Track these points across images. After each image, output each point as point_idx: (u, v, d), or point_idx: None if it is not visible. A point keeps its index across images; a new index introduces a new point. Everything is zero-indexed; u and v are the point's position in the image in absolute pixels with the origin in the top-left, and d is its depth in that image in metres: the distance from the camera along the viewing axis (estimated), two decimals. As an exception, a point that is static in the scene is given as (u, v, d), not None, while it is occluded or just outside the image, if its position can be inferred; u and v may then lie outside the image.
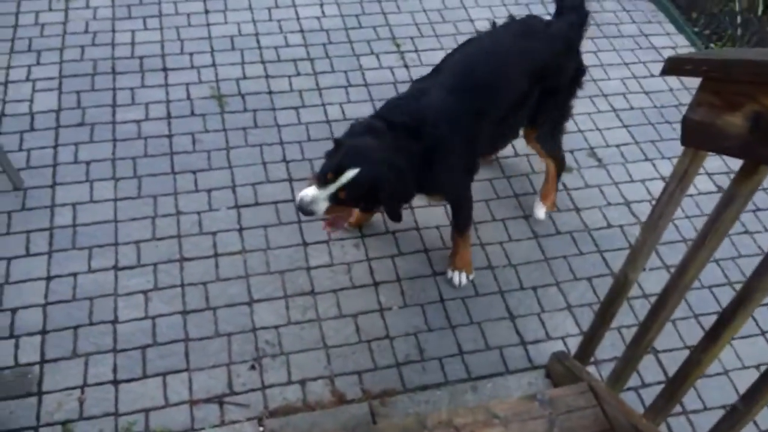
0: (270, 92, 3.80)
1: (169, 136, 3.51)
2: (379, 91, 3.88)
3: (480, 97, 2.68)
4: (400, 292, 3.03)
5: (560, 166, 3.30)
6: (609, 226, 3.39)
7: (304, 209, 2.41)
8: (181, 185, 3.31)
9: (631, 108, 3.97)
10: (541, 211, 3.35)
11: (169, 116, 3.61)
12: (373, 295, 3.01)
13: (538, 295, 3.08)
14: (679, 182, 1.89)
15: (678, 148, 1.76)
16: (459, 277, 3.05)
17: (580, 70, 3.00)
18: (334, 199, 2.39)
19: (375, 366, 2.78)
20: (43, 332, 2.73)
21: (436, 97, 2.60)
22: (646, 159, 3.72)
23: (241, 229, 3.17)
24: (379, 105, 3.75)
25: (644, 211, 3.46)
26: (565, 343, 2.93)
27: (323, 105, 3.78)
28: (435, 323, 2.94)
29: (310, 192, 2.39)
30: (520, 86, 2.79)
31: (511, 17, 2.97)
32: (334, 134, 3.62)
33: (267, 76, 3.88)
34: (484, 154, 3.06)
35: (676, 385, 2.05)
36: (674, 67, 1.65)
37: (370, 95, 3.85)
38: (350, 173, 2.34)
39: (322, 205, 2.41)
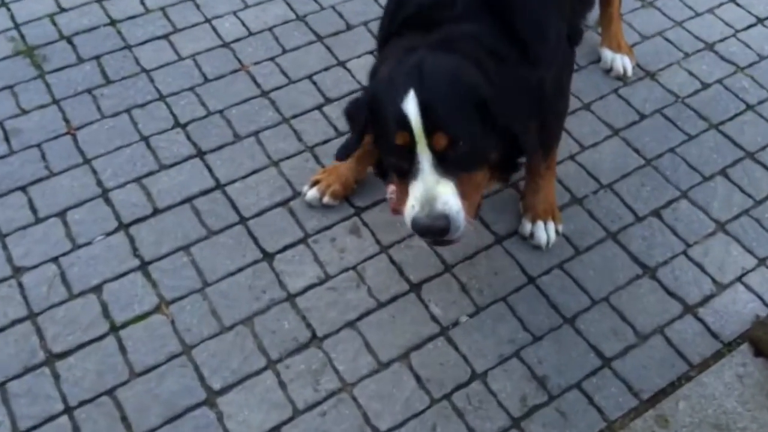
0: (113, 22, 2.27)
1: (-42, 138, 1.95)
2: (286, -21, 2.44)
3: None
4: (459, 287, 1.72)
5: None
6: (704, 85, 2.20)
7: (442, 229, 1.30)
8: (6, 217, 1.79)
9: None
10: (628, 63, 2.18)
11: (-53, 105, 2.03)
12: (418, 308, 1.68)
13: (668, 222, 1.87)
14: None
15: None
16: (546, 232, 1.78)
17: None
18: (452, 170, 1.30)
19: (478, 439, 1.50)
20: None
21: None
22: (697, -20, 2.53)
23: (143, 265, 1.72)
24: (295, 1, 2.36)
25: (735, 50, 2.29)
26: (749, 288, 1.75)
27: (208, 21, 2.30)
28: (539, 323, 1.67)
29: (418, 198, 1.31)
30: None
31: None
32: (242, 61, 2.18)
33: (98, 0, 2.34)
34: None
35: None
36: None
37: (277, -11, 2.41)
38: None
39: (449, 198, 1.30)
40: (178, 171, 1.91)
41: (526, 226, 1.80)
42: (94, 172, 1.90)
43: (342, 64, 2.19)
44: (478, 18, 1.35)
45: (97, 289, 1.67)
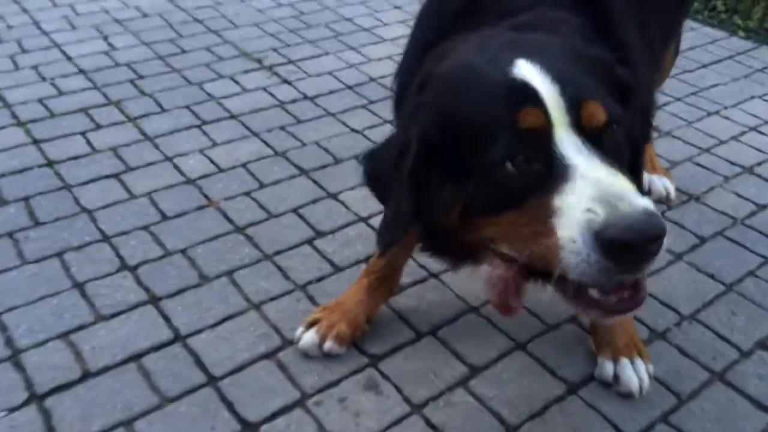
0: (50, 163, 1.87)
1: None
2: (259, 120, 2.13)
3: None
4: (532, 458, 1.18)
5: None
6: (759, 207, 1.88)
7: (663, 232, 0.74)
8: None
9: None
10: (669, 184, 1.88)
11: None
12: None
13: (781, 356, 1.42)
14: None
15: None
16: (635, 373, 1.29)
17: None
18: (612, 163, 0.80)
19: None
20: None
21: None
22: (710, 113, 2.33)
23: (61, 452, 1.14)
24: (273, 139, 2.03)
25: (775, 173, 2.02)
26: None
27: (168, 159, 1.92)
28: (661, 504, 1.12)
29: (595, 197, 0.75)
30: None
31: None
32: (209, 197, 1.77)
33: (35, 141, 1.95)
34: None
35: None
36: None
37: (248, 128, 2.08)
38: None
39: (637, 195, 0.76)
40: (121, 322, 1.40)
41: (607, 368, 1.31)
42: (3, 328, 1.37)
43: (333, 196, 1.81)
44: (568, 5, 1.00)
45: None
